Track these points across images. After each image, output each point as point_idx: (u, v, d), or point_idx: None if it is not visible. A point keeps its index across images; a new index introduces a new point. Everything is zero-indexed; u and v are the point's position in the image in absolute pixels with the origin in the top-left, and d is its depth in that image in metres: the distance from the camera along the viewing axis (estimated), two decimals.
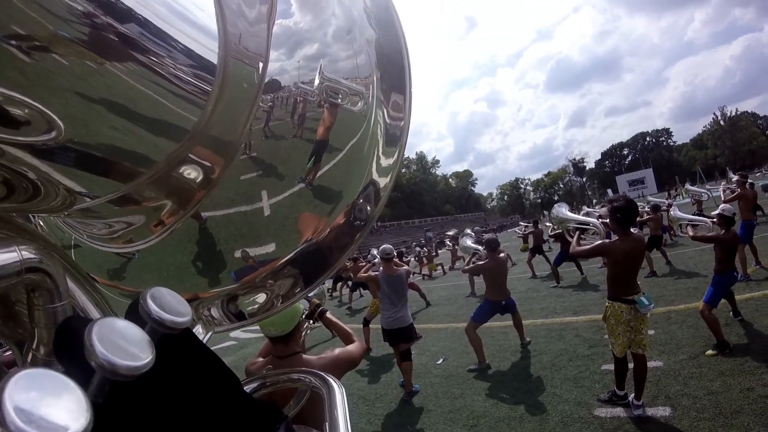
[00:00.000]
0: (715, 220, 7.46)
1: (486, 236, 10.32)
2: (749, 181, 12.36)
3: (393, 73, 0.88)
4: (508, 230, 63.10)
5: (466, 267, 9.80)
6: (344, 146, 0.84)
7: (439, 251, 38.92)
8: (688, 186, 32.28)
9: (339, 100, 0.83)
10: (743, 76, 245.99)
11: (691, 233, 7.68)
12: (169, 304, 0.49)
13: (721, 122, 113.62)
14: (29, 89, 0.49)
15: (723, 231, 7.04)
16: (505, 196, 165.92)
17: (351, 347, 2.96)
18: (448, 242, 34.92)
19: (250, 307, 0.97)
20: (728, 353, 6.10)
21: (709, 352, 6.24)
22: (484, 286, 8.75)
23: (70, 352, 0.45)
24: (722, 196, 12.61)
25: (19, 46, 0.46)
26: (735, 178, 12.75)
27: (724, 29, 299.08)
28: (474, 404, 6.47)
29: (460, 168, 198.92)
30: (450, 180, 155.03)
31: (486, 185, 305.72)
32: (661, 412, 5.09)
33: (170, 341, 0.47)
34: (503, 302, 8.29)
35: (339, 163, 0.83)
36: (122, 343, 0.39)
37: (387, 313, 7.51)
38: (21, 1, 0.44)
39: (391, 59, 0.88)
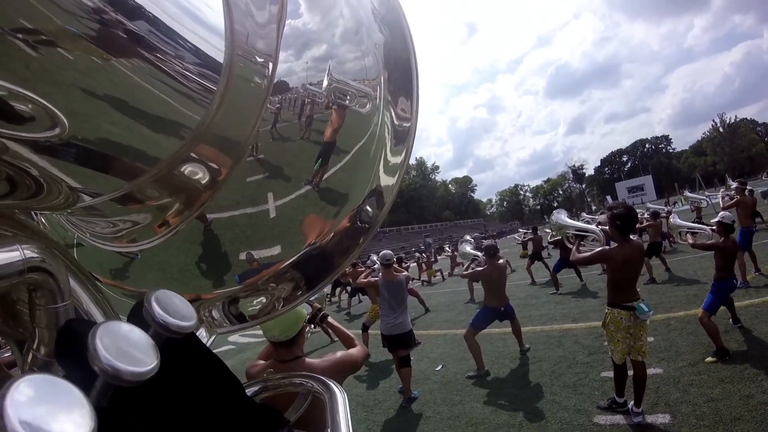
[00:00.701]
0: (714, 227, 7.47)
1: (485, 242, 10.31)
2: (748, 187, 12.37)
3: (401, 73, 0.87)
4: (507, 237, 63.02)
5: (465, 272, 9.78)
6: (351, 148, 0.83)
7: (438, 257, 38.91)
8: (687, 193, 32.24)
9: (347, 102, 0.82)
10: (742, 83, 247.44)
11: (690, 241, 7.67)
12: (174, 308, 0.48)
13: (720, 129, 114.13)
14: (34, 84, 0.48)
15: (722, 238, 7.05)
16: (505, 203, 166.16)
17: (353, 351, 2.95)
18: (447, 248, 34.86)
19: (251, 310, 0.96)
20: (728, 360, 6.09)
21: (709, 359, 6.22)
22: (483, 292, 8.74)
23: (72, 355, 0.44)
24: (721, 202, 12.61)
25: (26, 39, 0.46)
26: (734, 184, 12.75)
27: (723, 36, 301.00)
28: (473, 411, 6.44)
29: (459, 174, 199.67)
30: (449, 186, 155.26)
31: (485, 191, 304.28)
32: (661, 419, 5.07)
33: (174, 345, 0.46)
34: (502, 308, 8.28)
35: (346, 165, 0.82)
36: (126, 348, 0.38)
37: (386, 318, 7.49)
38: None
39: (398, 60, 0.87)
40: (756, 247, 11.12)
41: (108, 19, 0.49)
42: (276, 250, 0.83)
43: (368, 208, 0.86)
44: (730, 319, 7.34)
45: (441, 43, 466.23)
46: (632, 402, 5.26)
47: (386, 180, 0.87)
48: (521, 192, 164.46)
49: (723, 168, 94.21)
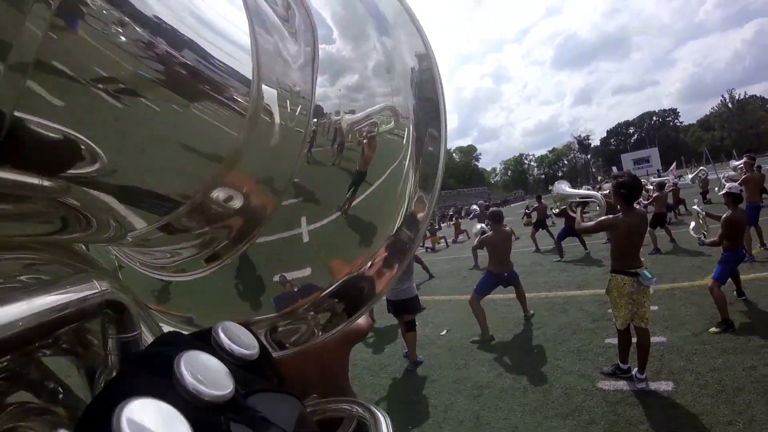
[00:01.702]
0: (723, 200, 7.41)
1: (491, 209, 10.30)
2: (757, 164, 12.35)
3: (429, 112, 0.87)
4: (512, 205, 62.84)
5: (475, 243, 9.85)
6: (382, 176, 0.83)
7: (442, 225, 38.96)
8: (689, 175, 32.05)
9: (378, 132, 0.83)
10: (753, 60, 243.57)
11: (707, 241, 7.39)
12: (238, 337, 0.51)
13: (729, 105, 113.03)
14: (76, 123, 0.48)
15: (731, 211, 6.99)
16: (509, 171, 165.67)
17: (358, 320, 2.97)
18: (452, 216, 34.79)
19: (293, 337, 0.97)
20: (732, 332, 6.18)
21: (713, 329, 6.32)
22: (487, 259, 8.78)
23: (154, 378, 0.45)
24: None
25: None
26: (740, 162, 12.69)
27: (735, 12, 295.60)
28: (478, 375, 6.59)
29: (463, 143, 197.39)
30: (453, 154, 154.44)
31: (490, 160, 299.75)
32: (664, 386, 5.19)
33: (241, 372, 0.48)
34: (505, 274, 8.39)
35: (377, 192, 0.83)
36: (206, 374, 0.40)
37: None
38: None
39: (427, 98, 0.87)
40: (762, 222, 11.19)
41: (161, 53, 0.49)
42: (309, 274, 0.84)
43: (404, 233, 0.86)
44: (735, 292, 7.41)
45: (447, 12, 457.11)
46: (636, 368, 5.37)
47: (418, 203, 0.87)
48: (526, 161, 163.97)
49: (731, 143, 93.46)
